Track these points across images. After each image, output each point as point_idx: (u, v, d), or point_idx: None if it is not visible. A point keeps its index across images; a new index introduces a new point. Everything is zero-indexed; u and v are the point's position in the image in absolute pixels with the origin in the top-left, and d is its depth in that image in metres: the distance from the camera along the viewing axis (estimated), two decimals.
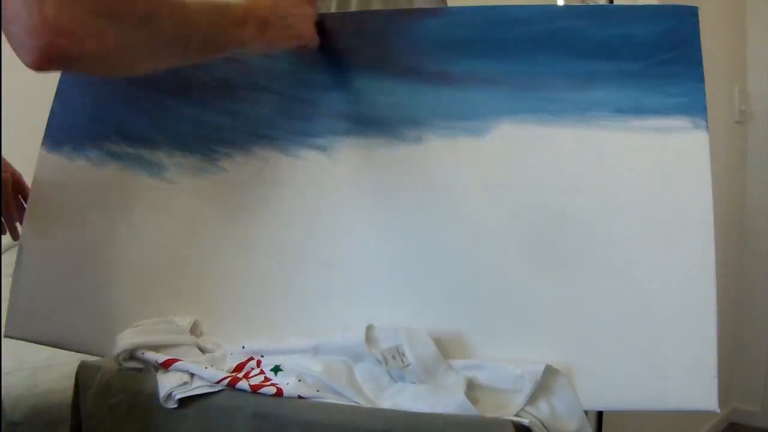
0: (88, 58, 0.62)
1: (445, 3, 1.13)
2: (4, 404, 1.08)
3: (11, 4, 0.56)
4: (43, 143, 1.02)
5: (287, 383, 0.77)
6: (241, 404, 0.77)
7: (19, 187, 1.02)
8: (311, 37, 0.85)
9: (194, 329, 0.90)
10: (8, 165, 1.01)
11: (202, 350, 0.87)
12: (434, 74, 0.84)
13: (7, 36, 0.59)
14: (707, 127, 0.77)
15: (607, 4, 1.59)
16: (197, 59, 0.80)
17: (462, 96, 0.83)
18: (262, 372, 0.80)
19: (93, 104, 1.00)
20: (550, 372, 0.74)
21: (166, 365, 0.81)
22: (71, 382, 0.88)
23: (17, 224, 1.03)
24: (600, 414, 1.75)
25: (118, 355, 0.82)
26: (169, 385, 0.78)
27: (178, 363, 0.80)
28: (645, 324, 0.75)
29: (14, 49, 0.59)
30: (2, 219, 0.99)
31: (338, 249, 0.87)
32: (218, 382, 0.78)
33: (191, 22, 0.71)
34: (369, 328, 0.79)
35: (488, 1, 0.85)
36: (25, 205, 1.01)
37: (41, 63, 0.58)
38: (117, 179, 0.96)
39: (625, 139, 0.79)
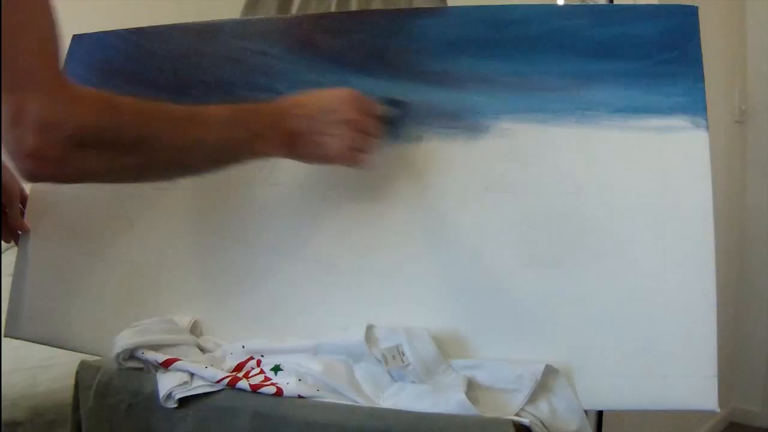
0: (75, 179, 0.66)
1: (445, 2, 1.13)
2: (4, 404, 1.08)
3: (6, 126, 0.60)
4: None
5: (287, 383, 0.77)
6: (241, 404, 0.77)
7: (23, 198, 1.01)
8: (344, 161, 0.78)
9: (194, 329, 0.90)
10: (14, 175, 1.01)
11: (202, 350, 0.87)
12: (434, 74, 0.85)
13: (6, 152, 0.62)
14: (707, 127, 0.77)
15: (607, 3, 1.59)
16: (206, 172, 0.79)
17: (462, 95, 0.83)
18: (262, 371, 0.80)
19: None
20: (550, 372, 0.74)
21: (166, 365, 0.81)
22: (71, 382, 0.88)
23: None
24: (600, 414, 1.74)
25: (118, 354, 0.82)
26: (169, 384, 0.78)
27: (178, 362, 0.80)
28: (645, 324, 0.75)
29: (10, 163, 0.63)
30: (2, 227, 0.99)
31: (338, 248, 0.87)
32: (218, 382, 0.78)
33: (198, 143, 0.69)
34: (369, 328, 0.79)
35: (488, 1, 0.85)
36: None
37: (32, 180, 0.65)
38: None
39: (625, 138, 0.79)
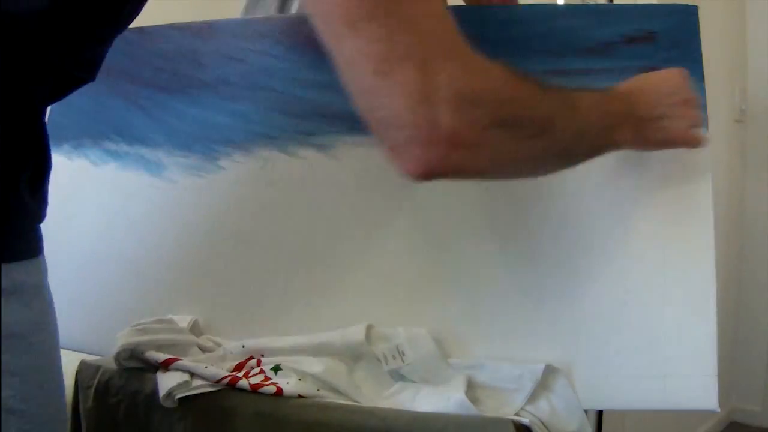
0: (481, 171, 0.56)
1: (445, 3, 1.13)
2: None
3: (392, 108, 0.50)
4: None
5: (287, 382, 0.77)
6: (241, 404, 0.77)
7: None
8: (687, 142, 0.74)
9: (194, 328, 0.90)
10: None
11: (202, 349, 0.87)
12: None
13: (382, 139, 0.52)
14: (707, 126, 0.77)
15: (607, 3, 1.59)
16: (572, 166, 0.68)
17: None
18: (262, 371, 0.80)
19: (93, 103, 1.00)
20: (550, 371, 0.74)
21: (166, 364, 0.80)
22: (71, 382, 0.88)
23: None
24: (600, 413, 1.75)
25: (118, 354, 0.82)
26: (169, 384, 0.78)
27: (178, 362, 0.80)
28: (645, 323, 0.75)
29: (390, 155, 0.52)
30: None
31: (338, 248, 0.87)
32: (218, 382, 0.78)
33: (581, 131, 0.62)
34: (369, 328, 0.79)
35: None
36: None
37: (427, 175, 0.51)
38: (117, 178, 0.96)
39: None
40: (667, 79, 0.73)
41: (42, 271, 0.60)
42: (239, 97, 0.92)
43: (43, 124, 0.60)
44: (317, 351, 0.80)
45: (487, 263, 0.81)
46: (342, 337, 0.79)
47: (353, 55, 0.52)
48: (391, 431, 0.70)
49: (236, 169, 0.92)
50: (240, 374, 0.80)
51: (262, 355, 0.82)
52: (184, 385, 0.78)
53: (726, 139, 2.33)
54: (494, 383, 0.75)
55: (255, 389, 0.76)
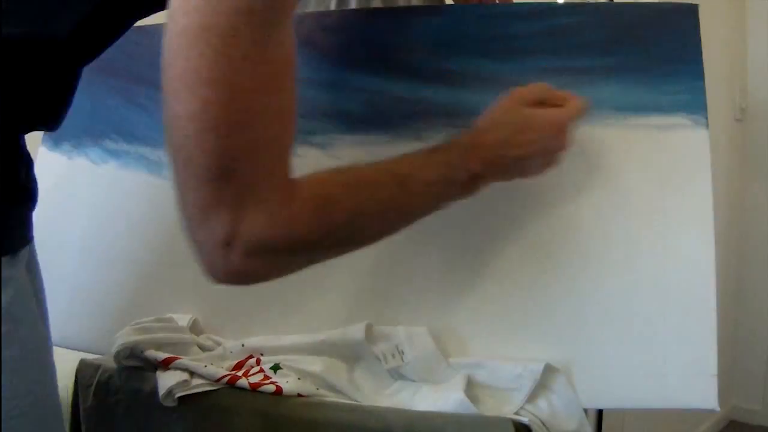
0: (277, 277, 0.58)
1: (443, 1, 1.13)
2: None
3: (209, 245, 0.53)
4: (43, 141, 1.02)
5: (287, 381, 0.77)
6: (240, 403, 0.77)
7: None
8: (545, 169, 0.72)
9: (194, 327, 0.90)
10: None
11: (202, 348, 0.87)
12: (433, 72, 0.84)
13: (186, 226, 0.56)
14: (707, 125, 0.77)
15: (607, 1, 1.59)
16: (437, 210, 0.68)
17: (461, 94, 0.83)
18: (261, 370, 0.80)
19: (93, 102, 1.00)
20: (549, 371, 0.74)
21: (166, 363, 0.81)
22: (71, 381, 0.88)
23: None
24: (600, 412, 1.75)
25: (118, 353, 0.82)
26: (168, 383, 0.78)
27: (178, 361, 0.80)
28: (645, 322, 0.75)
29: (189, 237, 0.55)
30: None
31: None
32: (218, 381, 0.78)
33: (405, 208, 0.63)
34: (368, 327, 0.79)
35: None
36: None
37: (222, 283, 0.55)
38: (117, 177, 0.96)
39: (625, 136, 0.78)
40: (518, 114, 0.69)
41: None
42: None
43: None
44: (317, 350, 0.80)
45: (487, 262, 0.81)
46: (341, 337, 0.79)
47: (182, 165, 0.53)
48: (391, 430, 0.70)
49: None
50: (239, 373, 0.80)
51: (262, 354, 0.82)
52: (184, 384, 0.78)
53: (726, 137, 2.33)
54: (493, 383, 0.75)
55: (254, 388, 0.76)
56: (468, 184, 0.67)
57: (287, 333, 0.84)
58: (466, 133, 0.69)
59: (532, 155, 0.69)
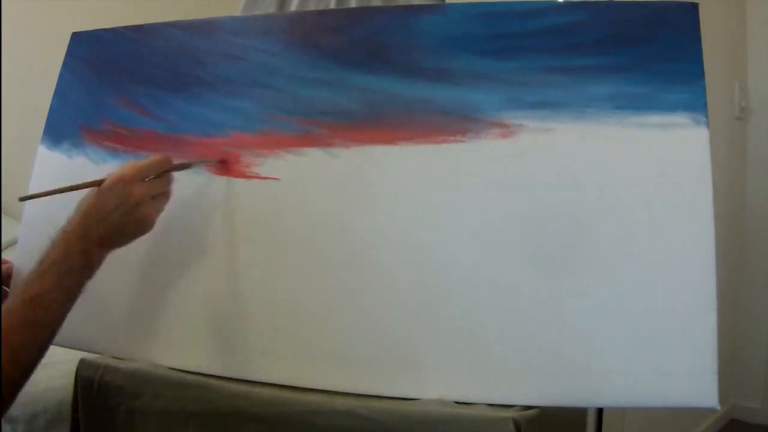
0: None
1: None
2: None
3: None
4: (43, 140, 1.02)
5: None
6: (241, 409, 0.77)
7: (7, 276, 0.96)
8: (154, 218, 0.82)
9: None
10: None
11: None
12: (434, 70, 0.84)
13: None
14: (708, 124, 0.77)
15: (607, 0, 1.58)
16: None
17: (461, 92, 0.83)
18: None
19: (92, 101, 1.00)
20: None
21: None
22: (71, 380, 0.88)
23: None
24: (600, 411, 1.74)
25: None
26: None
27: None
28: (645, 321, 0.75)
29: None
30: None
31: (337, 247, 0.86)
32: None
33: (47, 319, 0.74)
34: None
35: None
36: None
37: None
38: None
39: (624, 135, 0.78)
40: (114, 194, 0.78)
41: None
42: (238, 95, 0.92)
43: None
44: None
45: (487, 261, 0.81)
46: None
47: None
48: (392, 430, 0.70)
49: (236, 167, 0.92)
50: None
51: None
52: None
53: (726, 135, 2.33)
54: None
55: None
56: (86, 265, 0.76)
57: (287, 332, 0.84)
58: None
59: (119, 225, 0.78)
